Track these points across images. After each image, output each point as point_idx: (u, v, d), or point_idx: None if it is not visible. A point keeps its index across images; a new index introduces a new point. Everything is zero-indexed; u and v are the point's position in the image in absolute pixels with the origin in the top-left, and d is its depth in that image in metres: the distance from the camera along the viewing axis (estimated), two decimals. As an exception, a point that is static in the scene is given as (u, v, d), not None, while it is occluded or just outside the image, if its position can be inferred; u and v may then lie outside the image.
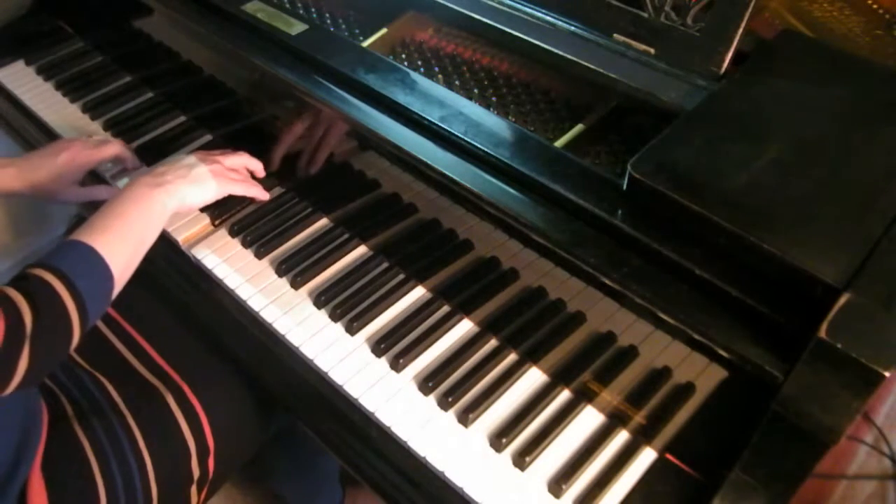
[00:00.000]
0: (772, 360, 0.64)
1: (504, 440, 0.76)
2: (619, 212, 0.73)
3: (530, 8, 0.95)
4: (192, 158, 0.92)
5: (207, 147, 1.14)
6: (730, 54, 0.82)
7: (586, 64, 0.90)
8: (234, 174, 0.95)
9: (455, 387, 0.81)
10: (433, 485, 0.76)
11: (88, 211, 1.05)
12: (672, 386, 0.77)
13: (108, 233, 0.77)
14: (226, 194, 0.93)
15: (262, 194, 0.98)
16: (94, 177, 1.09)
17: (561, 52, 0.91)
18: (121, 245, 0.78)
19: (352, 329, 0.87)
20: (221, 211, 1.01)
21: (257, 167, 0.99)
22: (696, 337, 0.69)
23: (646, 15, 0.86)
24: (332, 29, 1.10)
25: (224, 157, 0.95)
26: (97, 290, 0.74)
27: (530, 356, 0.84)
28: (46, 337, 0.69)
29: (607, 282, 0.73)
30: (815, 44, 0.90)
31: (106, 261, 0.75)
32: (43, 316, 0.68)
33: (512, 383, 0.82)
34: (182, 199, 0.87)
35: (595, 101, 0.94)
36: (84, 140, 1.03)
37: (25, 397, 0.84)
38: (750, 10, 0.79)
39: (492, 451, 0.77)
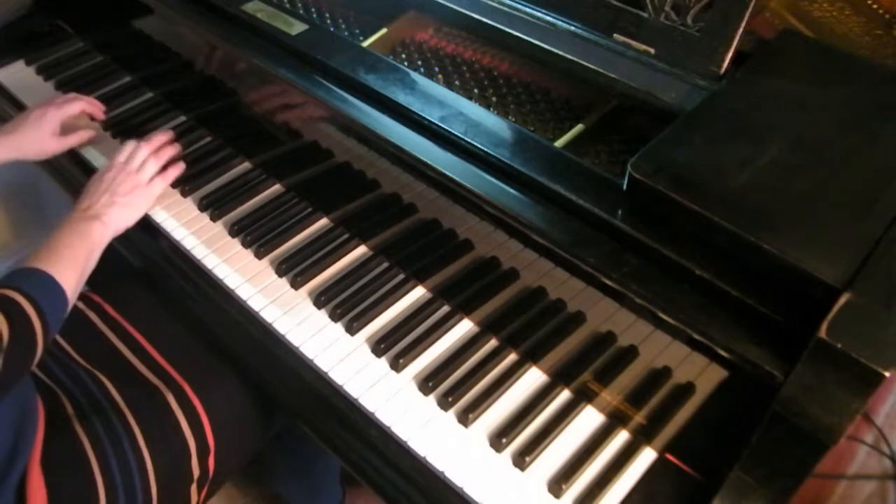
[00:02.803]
0: (772, 360, 0.64)
1: (504, 440, 0.76)
2: (619, 212, 0.73)
3: (530, 8, 0.95)
4: (107, 180, 0.97)
5: (207, 147, 1.14)
6: (730, 54, 0.82)
7: (586, 64, 0.90)
8: (150, 167, 1.01)
9: (455, 387, 0.81)
10: (433, 485, 0.76)
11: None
12: (672, 386, 0.77)
13: (60, 263, 0.85)
14: (154, 199, 1.01)
15: (176, 172, 1.04)
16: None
17: (561, 52, 0.91)
18: (71, 273, 0.85)
19: (352, 329, 0.87)
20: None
21: (163, 139, 1.05)
22: (696, 337, 0.69)
23: (646, 15, 0.86)
24: (332, 29, 1.10)
25: (133, 161, 1.00)
26: (57, 314, 0.81)
27: (530, 356, 0.84)
28: (17, 351, 0.75)
29: (607, 282, 0.73)
30: (815, 44, 0.90)
31: (62, 286, 0.83)
32: (16, 332, 0.75)
33: (512, 383, 0.82)
34: (117, 226, 0.94)
35: (595, 101, 0.94)
36: (51, 98, 1.12)
37: (18, 393, 0.85)
38: (750, 10, 0.79)
39: (492, 451, 0.77)
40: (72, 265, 0.85)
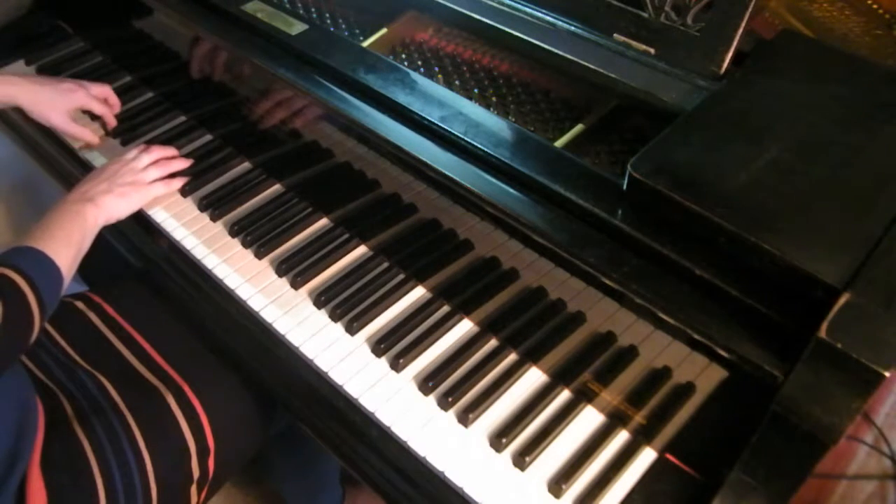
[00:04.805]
0: (772, 360, 0.64)
1: (504, 440, 0.76)
2: (619, 212, 0.73)
3: (530, 8, 0.95)
4: (109, 171, 1.00)
5: (207, 147, 1.14)
6: (730, 54, 0.82)
7: (586, 64, 0.89)
8: (153, 171, 1.02)
9: (455, 387, 0.81)
10: (433, 485, 0.76)
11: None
12: (672, 386, 0.77)
13: (54, 241, 0.85)
14: (149, 200, 1.01)
15: (179, 183, 1.05)
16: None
17: (561, 52, 0.91)
18: (65, 253, 0.86)
19: (352, 329, 0.87)
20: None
21: (175, 151, 1.08)
22: (696, 337, 0.69)
23: (646, 15, 0.86)
24: (332, 29, 1.10)
25: (139, 160, 1.02)
26: (53, 291, 0.82)
27: (530, 356, 0.84)
28: (14, 328, 0.76)
29: (607, 282, 0.73)
30: (815, 44, 0.90)
31: (58, 265, 0.83)
32: (11, 310, 0.75)
33: (512, 383, 0.82)
34: (109, 213, 0.95)
35: (595, 101, 0.94)
36: (86, 82, 1.15)
37: (19, 394, 0.85)
38: (750, 10, 0.79)
39: (492, 451, 0.77)
40: (66, 245, 0.86)
